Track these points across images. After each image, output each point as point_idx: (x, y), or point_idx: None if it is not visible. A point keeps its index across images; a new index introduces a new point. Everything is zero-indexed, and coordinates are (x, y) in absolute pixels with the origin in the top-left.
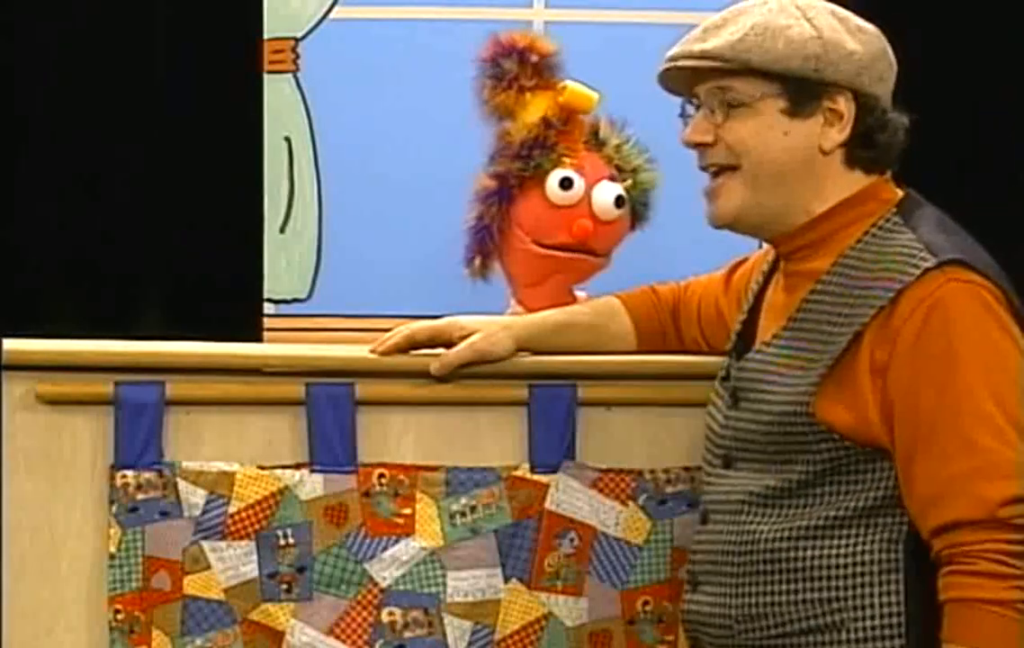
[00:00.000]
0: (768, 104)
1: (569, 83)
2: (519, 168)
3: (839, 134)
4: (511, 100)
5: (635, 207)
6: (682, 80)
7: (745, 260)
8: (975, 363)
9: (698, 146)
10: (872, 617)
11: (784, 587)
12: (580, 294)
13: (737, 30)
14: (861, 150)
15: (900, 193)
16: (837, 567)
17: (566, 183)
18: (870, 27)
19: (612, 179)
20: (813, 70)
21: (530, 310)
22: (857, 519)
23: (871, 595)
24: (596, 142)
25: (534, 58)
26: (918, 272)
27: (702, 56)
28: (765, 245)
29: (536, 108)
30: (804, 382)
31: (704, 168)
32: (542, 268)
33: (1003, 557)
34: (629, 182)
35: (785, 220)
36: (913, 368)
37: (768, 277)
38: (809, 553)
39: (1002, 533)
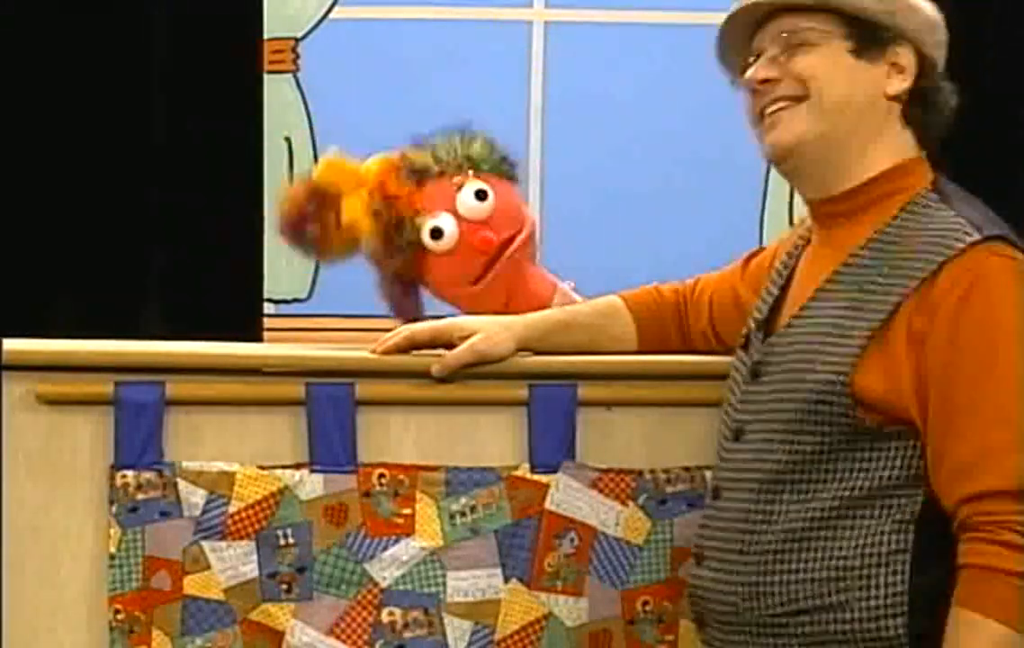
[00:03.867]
0: (835, 44)
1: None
2: (399, 264)
3: (901, 83)
4: (338, 237)
5: (499, 173)
6: (742, 32)
7: (761, 250)
8: (1016, 338)
9: (764, 83)
10: (878, 596)
11: (794, 566)
12: (569, 283)
13: None
14: (919, 109)
15: (932, 174)
16: (848, 547)
17: (436, 234)
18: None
19: (459, 187)
20: (885, 12)
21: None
22: (871, 500)
23: (878, 575)
24: (418, 178)
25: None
26: (962, 246)
27: None
28: (769, 243)
29: (357, 216)
30: (842, 352)
31: (764, 109)
32: (495, 293)
33: None
34: (471, 169)
35: (838, 164)
36: (953, 339)
37: (797, 258)
38: (824, 535)
39: None
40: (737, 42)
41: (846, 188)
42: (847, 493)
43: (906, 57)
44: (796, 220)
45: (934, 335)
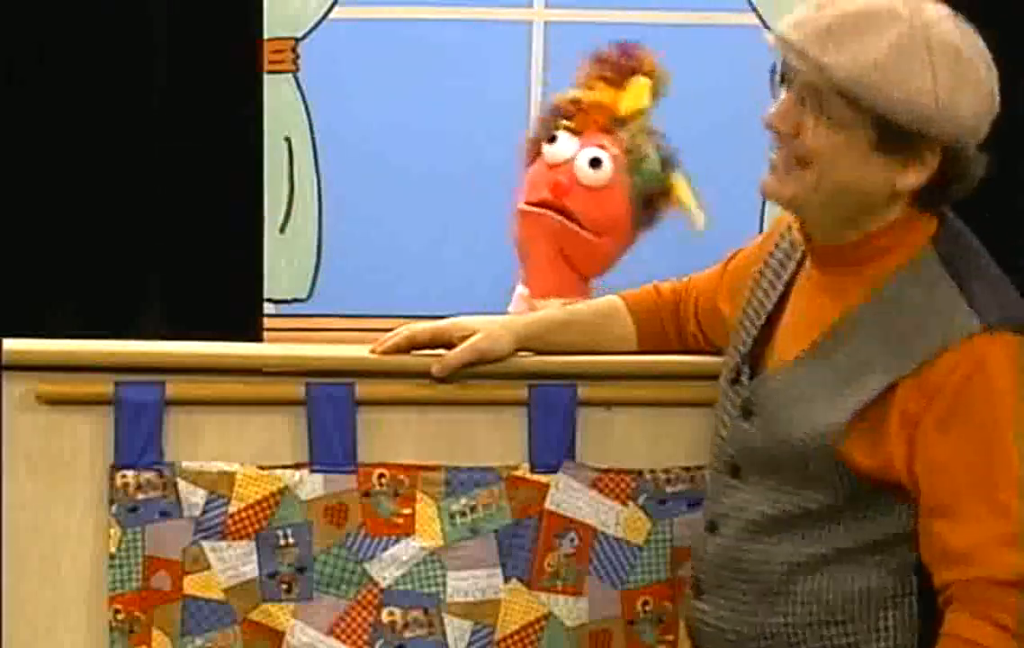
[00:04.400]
0: (858, 132)
1: (635, 83)
2: (534, 133)
3: (915, 179)
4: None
5: (641, 198)
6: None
7: (738, 253)
8: (1014, 431)
9: (778, 133)
10: (886, 641)
11: (799, 609)
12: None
13: (862, 53)
14: (930, 196)
15: (935, 224)
16: (852, 591)
17: (553, 141)
18: (988, 73)
19: (604, 148)
20: (917, 129)
21: (533, 293)
22: (874, 549)
23: (884, 618)
24: (615, 123)
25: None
26: (963, 334)
27: (819, 69)
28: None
29: (600, 95)
30: (830, 418)
31: (776, 147)
32: (527, 229)
33: (1020, 619)
34: (629, 164)
35: (829, 227)
36: (949, 428)
37: (788, 283)
38: (825, 580)
39: None
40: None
41: (844, 243)
42: (850, 543)
43: (930, 155)
44: (769, 215)
45: (928, 419)
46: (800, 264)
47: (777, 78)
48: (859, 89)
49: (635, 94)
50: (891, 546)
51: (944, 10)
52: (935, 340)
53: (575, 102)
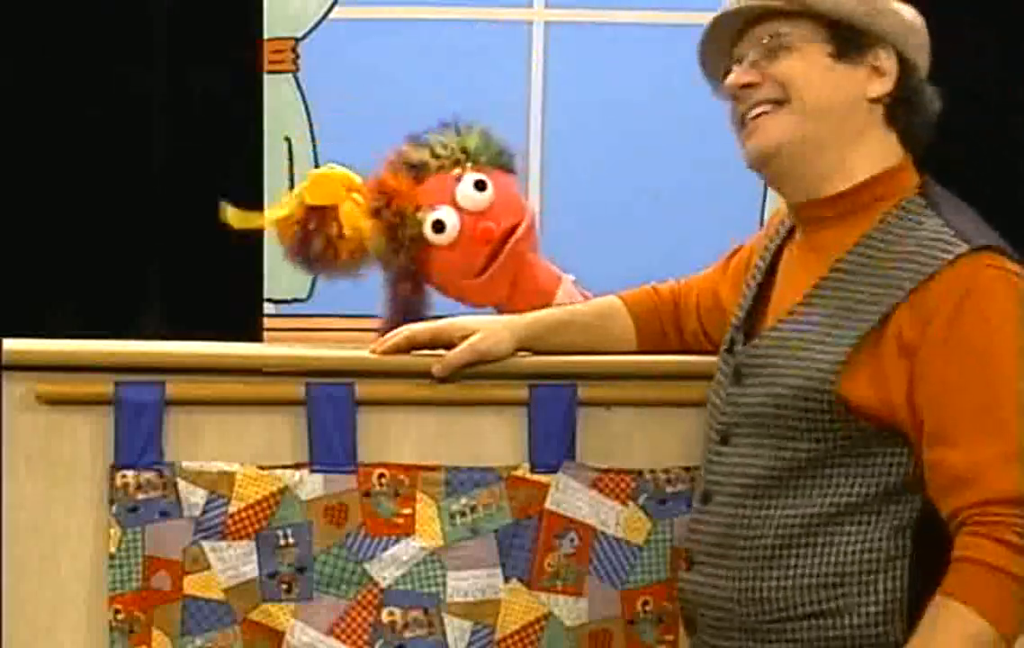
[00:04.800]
0: (815, 48)
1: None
2: (404, 260)
3: (882, 86)
4: (345, 246)
5: (497, 165)
6: (724, 39)
7: (739, 249)
8: (1011, 350)
9: (744, 88)
10: (876, 603)
11: (791, 572)
12: (569, 276)
13: None
14: (901, 111)
15: (919, 177)
16: (846, 554)
17: (438, 226)
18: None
19: (457, 179)
20: (864, 14)
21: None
22: (867, 506)
23: (876, 581)
24: (416, 174)
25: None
26: (951, 256)
27: None
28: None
29: (356, 219)
30: (827, 358)
31: (745, 114)
32: (499, 284)
33: None
34: (469, 162)
35: (820, 169)
36: (947, 352)
37: (777, 254)
38: (819, 540)
39: None
40: (718, 50)
41: (831, 193)
42: (842, 499)
43: (887, 60)
44: (770, 214)
45: (926, 346)
46: (788, 237)
47: (722, 75)
48: None
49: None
50: (884, 503)
51: None
52: (925, 266)
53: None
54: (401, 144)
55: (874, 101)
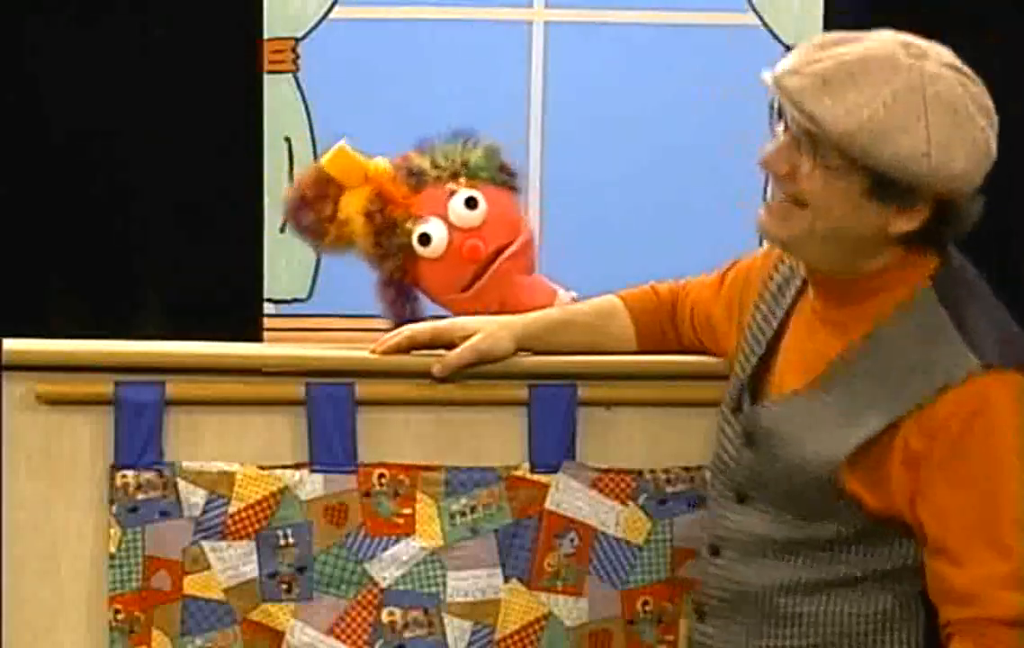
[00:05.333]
0: (852, 179)
1: (327, 159)
2: (390, 266)
3: (908, 224)
4: (334, 230)
5: (497, 182)
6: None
7: (736, 263)
8: (1017, 472)
9: (773, 172)
10: None
11: (800, 633)
12: (571, 294)
13: (856, 107)
14: (924, 240)
15: (935, 258)
16: (857, 619)
17: (424, 240)
18: (986, 126)
19: (450, 195)
20: (907, 185)
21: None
22: (880, 577)
23: (885, 644)
24: (416, 181)
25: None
26: (963, 374)
27: (812, 120)
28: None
29: (351, 212)
30: (830, 452)
31: (773, 186)
32: (485, 301)
33: None
34: (463, 179)
35: (828, 266)
36: (952, 470)
37: (788, 310)
38: (831, 606)
39: None
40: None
41: (841, 279)
42: (856, 572)
43: (924, 205)
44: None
45: (930, 460)
46: (801, 290)
47: (775, 115)
48: (851, 143)
49: (343, 165)
50: (897, 575)
51: (947, 57)
52: (935, 379)
53: (372, 217)
54: (410, 146)
55: (896, 235)
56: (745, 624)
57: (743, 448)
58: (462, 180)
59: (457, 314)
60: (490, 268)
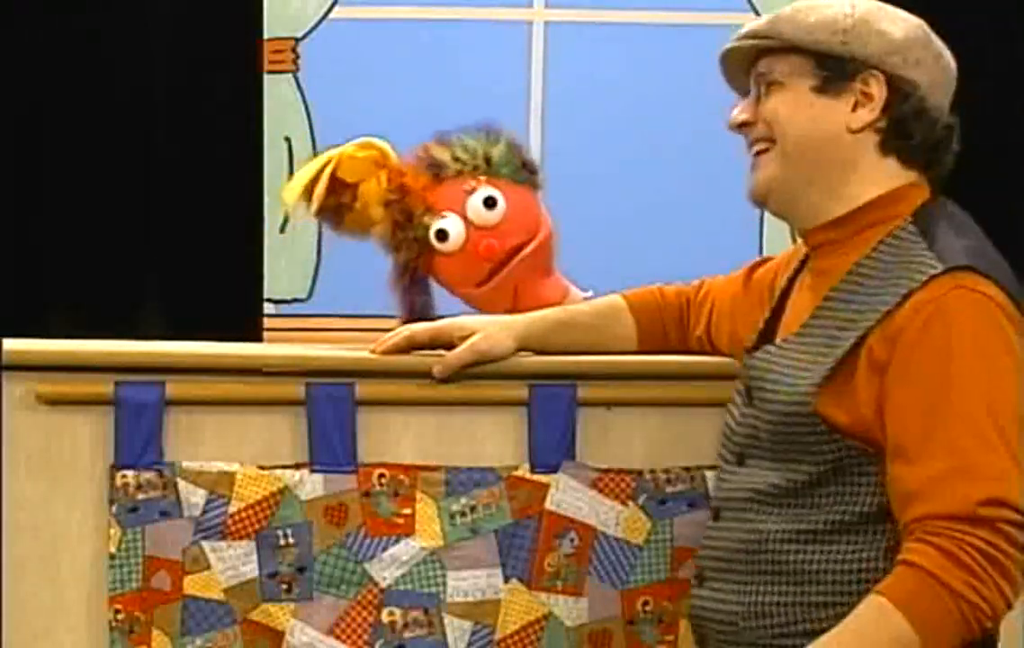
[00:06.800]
0: (799, 81)
1: (344, 156)
2: (406, 257)
3: (868, 114)
4: (353, 218)
5: (517, 180)
6: (740, 70)
7: (767, 260)
8: (970, 371)
9: (741, 126)
10: None
11: (790, 588)
12: (586, 293)
13: (789, 8)
14: (895, 138)
15: (922, 201)
16: (843, 572)
17: (441, 235)
18: (914, 18)
19: (470, 192)
20: (840, 43)
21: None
22: (862, 524)
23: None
24: (436, 173)
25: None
26: (923, 278)
27: (745, 36)
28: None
29: (370, 201)
30: (806, 381)
31: (750, 149)
32: (501, 296)
33: (974, 553)
34: (483, 175)
35: (814, 201)
36: (908, 369)
37: (794, 278)
38: (816, 557)
39: (980, 530)
40: (739, 77)
41: (829, 219)
42: (837, 516)
43: (874, 85)
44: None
45: (892, 365)
46: (805, 261)
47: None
48: (778, 27)
49: (354, 163)
50: (878, 521)
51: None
52: (900, 289)
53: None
54: (430, 137)
55: (859, 130)
56: (737, 582)
57: (744, 406)
58: (482, 176)
59: (472, 307)
60: (506, 267)
